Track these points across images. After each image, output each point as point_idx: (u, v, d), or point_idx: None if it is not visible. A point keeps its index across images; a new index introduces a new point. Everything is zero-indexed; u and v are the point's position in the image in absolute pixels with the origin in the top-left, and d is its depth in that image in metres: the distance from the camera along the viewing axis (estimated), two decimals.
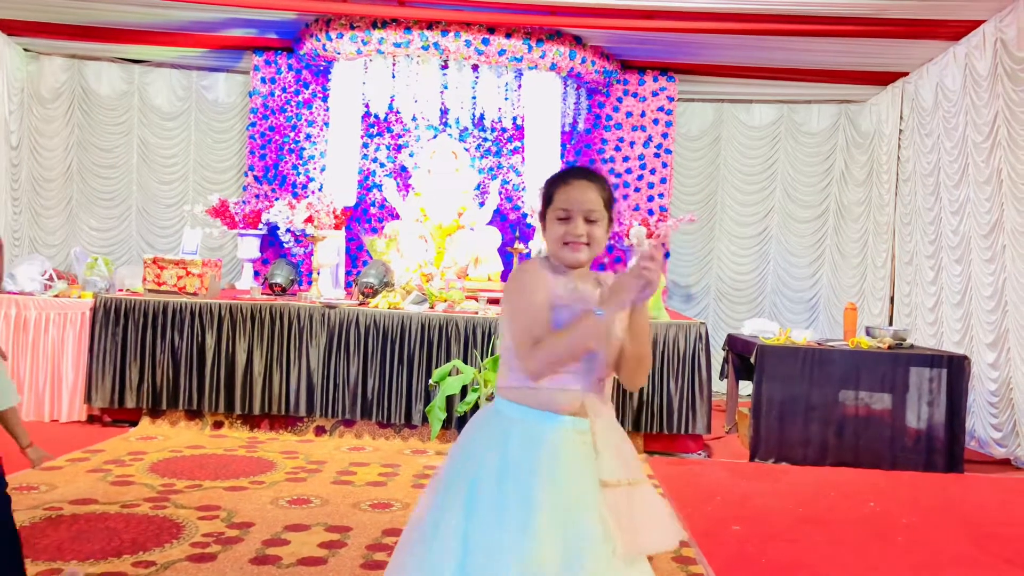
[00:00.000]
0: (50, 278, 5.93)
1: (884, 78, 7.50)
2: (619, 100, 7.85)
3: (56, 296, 5.72)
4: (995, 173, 5.75)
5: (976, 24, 5.96)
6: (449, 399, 5.04)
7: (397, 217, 7.22)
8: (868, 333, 5.76)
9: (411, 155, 7.55)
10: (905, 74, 7.30)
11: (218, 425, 5.50)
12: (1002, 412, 5.66)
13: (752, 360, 5.48)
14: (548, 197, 1.88)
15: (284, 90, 7.74)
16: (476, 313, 5.52)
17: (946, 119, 6.51)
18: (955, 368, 5.31)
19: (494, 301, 5.86)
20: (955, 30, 6.12)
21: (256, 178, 7.76)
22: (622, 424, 5.35)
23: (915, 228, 7.09)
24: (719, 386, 6.77)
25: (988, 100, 5.83)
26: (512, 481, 1.72)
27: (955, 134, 6.34)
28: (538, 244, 6.91)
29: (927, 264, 6.83)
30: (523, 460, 1.74)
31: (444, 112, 7.18)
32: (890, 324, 7.35)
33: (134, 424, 5.47)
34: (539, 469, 1.72)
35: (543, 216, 1.90)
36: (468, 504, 1.72)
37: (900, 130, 7.44)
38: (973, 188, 6.04)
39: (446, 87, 6.90)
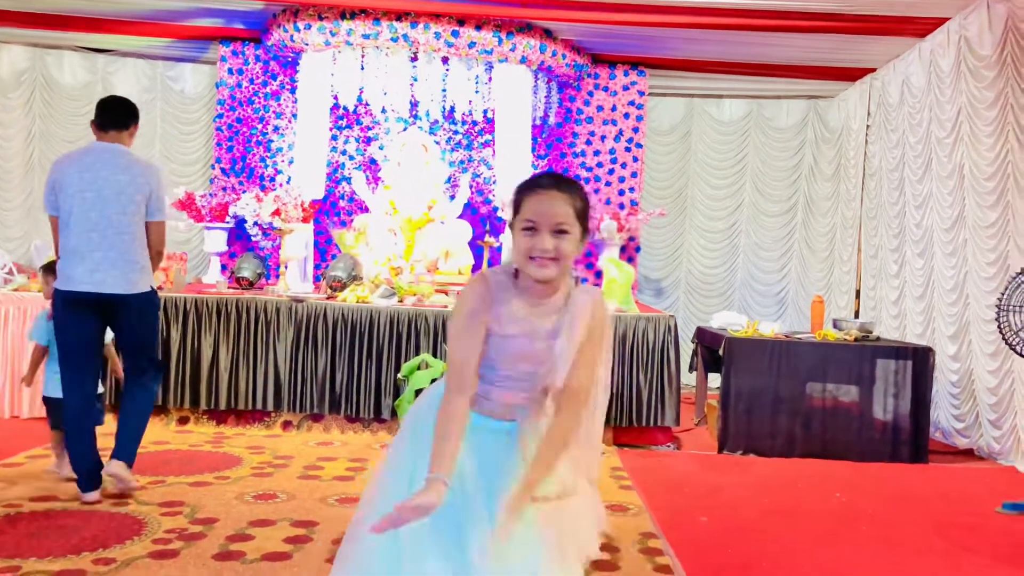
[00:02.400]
0: (9, 272, 5.80)
1: (852, 74, 7.57)
2: (590, 94, 7.85)
3: (16, 290, 5.60)
4: (957, 168, 5.83)
5: (941, 21, 6.03)
6: (418, 393, 5.01)
7: (366, 210, 7.16)
8: (835, 326, 5.82)
9: (380, 148, 7.48)
10: (873, 70, 7.38)
11: (183, 420, 5.42)
12: (964, 403, 5.75)
13: (721, 353, 5.51)
14: (517, 205, 1.78)
15: (252, 81, 7.64)
16: (446, 307, 5.49)
17: (911, 115, 6.59)
18: (920, 360, 5.38)
19: None
20: (921, 27, 6.19)
21: (223, 170, 7.66)
22: None
23: (880, 222, 7.18)
24: (688, 379, 6.82)
25: (951, 96, 5.91)
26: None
27: (919, 130, 6.42)
28: (509, 238, 6.89)
29: (891, 258, 6.92)
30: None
31: (414, 105, 7.12)
32: (856, 317, 7.44)
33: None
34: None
35: (512, 224, 1.81)
36: (414, 445, 1.84)
37: (867, 126, 7.52)
38: (936, 183, 6.13)
39: (416, 79, 6.85)
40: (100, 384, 4.10)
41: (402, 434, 1.98)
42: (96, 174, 3.71)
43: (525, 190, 1.78)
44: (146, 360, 3.96)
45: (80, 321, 3.74)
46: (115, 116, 3.83)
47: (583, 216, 1.77)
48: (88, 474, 3.75)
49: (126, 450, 3.90)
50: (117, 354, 4.27)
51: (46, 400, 4.12)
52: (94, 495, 3.73)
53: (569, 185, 1.78)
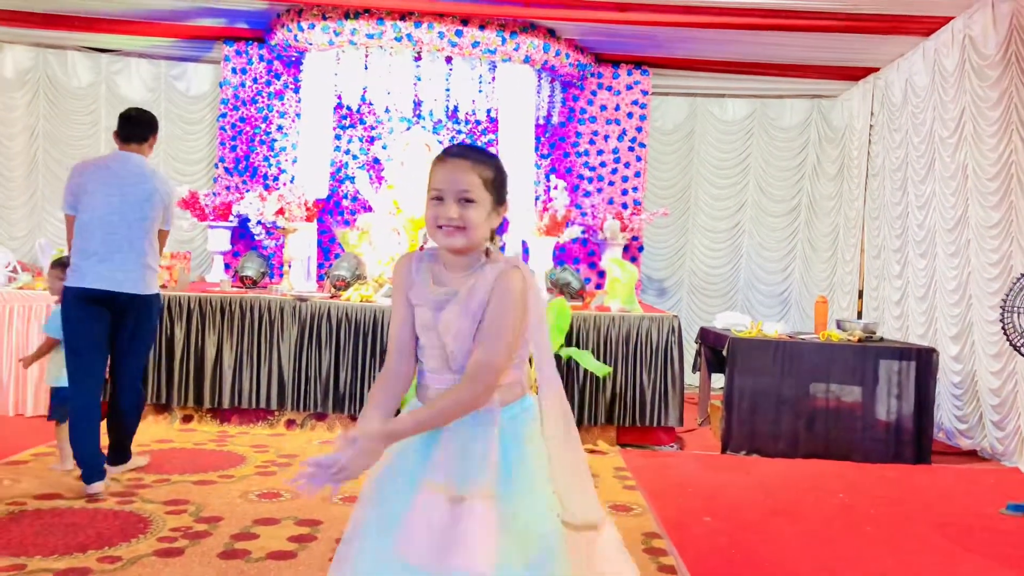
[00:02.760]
0: (14, 270, 5.82)
1: (856, 73, 7.57)
2: (593, 93, 7.84)
3: (20, 288, 5.61)
4: (960, 168, 5.82)
5: (945, 20, 6.02)
6: None
7: (370, 209, 7.16)
8: (839, 326, 5.82)
9: (384, 147, 7.48)
10: (876, 70, 7.37)
11: (187, 419, 5.43)
12: (967, 404, 5.75)
13: (724, 353, 5.51)
14: (429, 177, 1.76)
15: (255, 81, 7.64)
16: None
17: (914, 115, 6.59)
18: (923, 361, 5.38)
19: None
20: (925, 26, 6.18)
21: (227, 169, 7.67)
22: (594, 416, 5.37)
23: (883, 222, 7.17)
24: (692, 379, 6.81)
25: (955, 96, 5.90)
26: None
27: (923, 129, 6.41)
28: (511, 237, 6.90)
29: (894, 258, 6.91)
30: None
31: (417, 104, 7.12)
32: (858, 317, 7.44)
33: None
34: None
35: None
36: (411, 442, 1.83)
37: (871, 125, 7.51)
38: (939, 183, 6.12)
39: (419, 79, 6.85)
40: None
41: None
42: (123, 181, 3.94)
43: (435, 160, 1.77)
44: (138, 362, 4.13)
45: (93, 318, 3.88)
46: (136, 129, 4.06)
47: (494, 186, 1.76)
48: (93, 468, 3.81)
49: (121, 451, 4.15)
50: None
51: (53, 391, 4.21)
52: (99, 486, 3.81)
53: (478, 154, 1.76)
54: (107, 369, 4.09)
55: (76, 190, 3.91)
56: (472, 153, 1.76)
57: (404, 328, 1.83)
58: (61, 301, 3.94)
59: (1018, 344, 4.29)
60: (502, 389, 1.76)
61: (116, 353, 4.07)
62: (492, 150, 7.51)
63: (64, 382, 3.99)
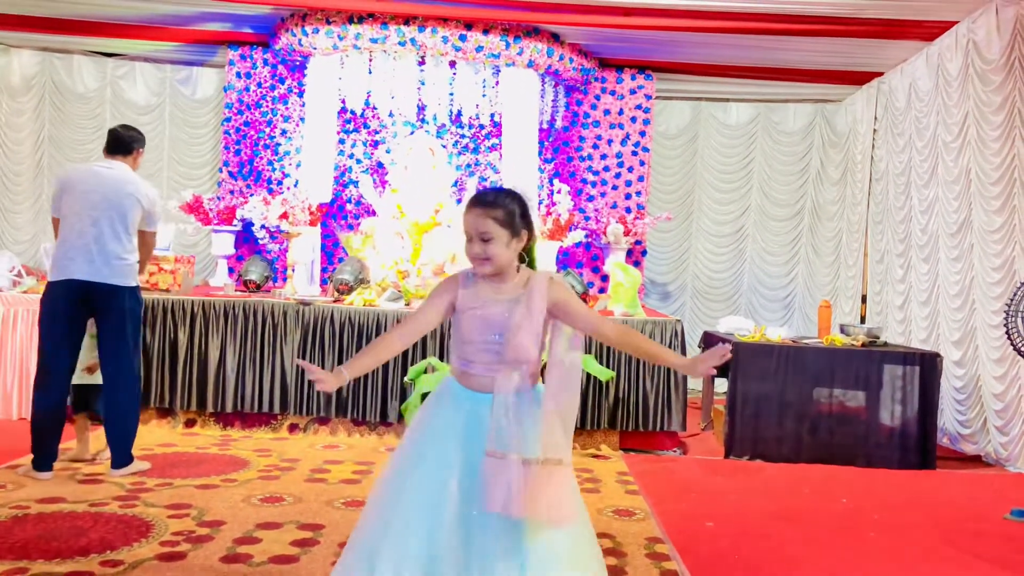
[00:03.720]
0: (19, 274, 5.83)
1: (860, 78, 7.56)
2: (597, 98, 7.85)
3: (25, 292, 5.62)
4: (964, 173, 5.81)
5: (949, 25, 6.02)
6: (425, 396, 5.01)
7: (373, 214, 7.17)
8: (842, 331, 5.81)
9: (388, 151, 7.50)
10: (880, 74, 7.37)
11: (190, 423, 5.44)
12: (970, 409, 5.73)
13: None
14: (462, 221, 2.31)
15: (259, 85, 7.67)
16: None
17: (918, 119, 6.58)
18: (927, 366, 5.36)
19: None
20: (929, 31, 6.18)
21: (231, 174, 7.69)
22: (597, 421, 5.37)
23: (886, 227, 7.16)
24: (695, 383, 6.81)
25: (959, 100, 5.90)
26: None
27: (926, 134, 6.40)
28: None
29: (896, 263, 6.90)
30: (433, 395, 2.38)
31: (421, 108, 7.14)
32: (862, 322, 7.42)
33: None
34: (432, 400, 2.35)
35: None
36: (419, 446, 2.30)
37: (874, 130, 7.51)
38: (942, 187, 6.11)
39: (423, 83, 6.86)
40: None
41: (408, 435, 2.35)
42: (103, 180, 4.17)
43: (464, 209, 2.30)
44: (128, 360, 4.21)
45: (67, 317, 4.10)
46: (121, 143, 4.30)
47: (508, 221, 2.25)
48: (48, 458, 4.14)
49: (122, 453, 4.24)
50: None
51: (73, 387, 4.35)
52: (48, 475, 4.13)
53: (491, 202, 2.27)
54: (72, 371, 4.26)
55: (60, 192, 4.16)
56: (485, 202, 2.27)
57: (425, 322, 2.34)
58: (43, 297, 4.16)
59: (1022, 348, 4.28)
60: (534, 375, 2.28)
61: (103, 351, 4.22)
62: (495, 154, 7.55)
63: (87, 380, 4.35)
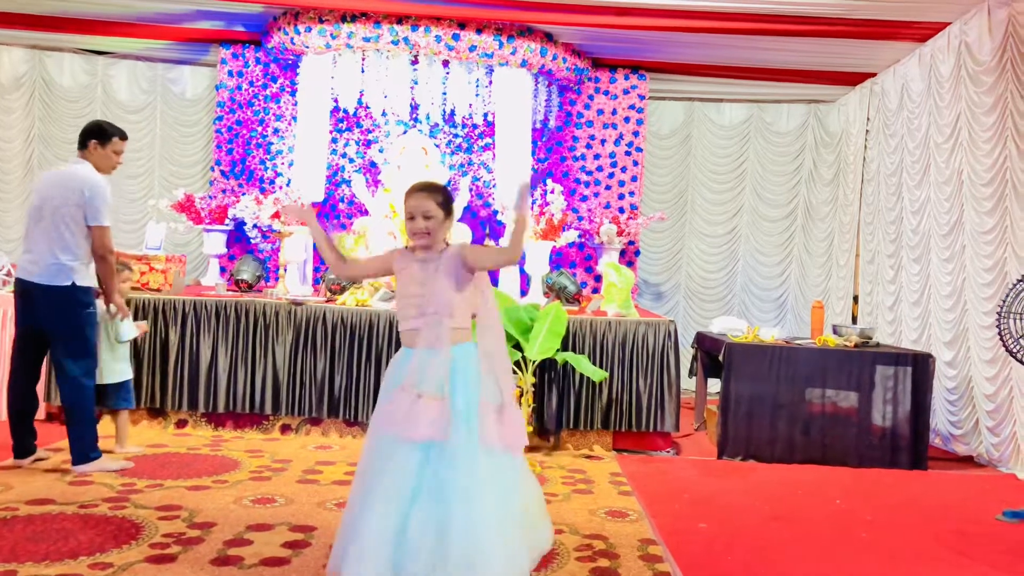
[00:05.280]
0: (8, 273, 5.79)
1: (852, 79, 7.58)
2: (590, 98, 7.84)
3: (14, 292, 5.56)
4: (955, 174, 5.83)
5: (942, 26, 6.03)
6: None
7: (366, 213, 7.14)
8: (835, 331, 5.81)
9: (380, 151, 7.47)
10: (873, 75, 7.38)
11: (181, 424, 5.41)
12: (962, 410, 5.74)
13: (720, 358, 5.50)
14: (404, 202, 2.85)
15: (252, 84, 7.63)
16: None
17: (910, 120, 6.59)
18: (920, 366, 5.37)
19: None
20: (921, 32, 6.19)
21: (223, 173, 7.65)
22: (590, 421, 5.36)
23: (877, 228, 7.18)
24: (688, 384, 6.81)
25: (950, 101, 5.91)
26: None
27: (918, 135, 6.42)
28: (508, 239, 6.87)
29: (887, 263, 6.91)
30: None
31: (414, 108, 7.12)
32: (854, 322, 7.43)
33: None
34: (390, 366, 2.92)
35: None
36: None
37: (867, 130, 7.52)
38: (934, 188, 6.12)
39: (416, 83, 6.84)
40: (129, 369, 4.72)
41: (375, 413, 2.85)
42: (58, 180, 4.29)
43: (406, 193, 2.85)
44: (69, 360, 4.22)
45: (19, 307, 4.26)
46: (80, 138, 4.41)
47: (445, 204, 2.82)
48: (16, 449, 4.32)
49: (75, 452, 4.28)
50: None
51: (96, 387, 4.41)
52: (26, 461, 4.31)
53: (433, 188, 2.86)
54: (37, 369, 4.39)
55: (34, 195, 4.33)
56: (429, 186, 2.87)
57: (372, 263, 3.30)
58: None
59: (1014, 349, 4.29)
60: (454, 333, 2.76)
61: (50, 348, 4.30)
62: (488, 154, 7.54)
63: (113, 378, 4.56)
